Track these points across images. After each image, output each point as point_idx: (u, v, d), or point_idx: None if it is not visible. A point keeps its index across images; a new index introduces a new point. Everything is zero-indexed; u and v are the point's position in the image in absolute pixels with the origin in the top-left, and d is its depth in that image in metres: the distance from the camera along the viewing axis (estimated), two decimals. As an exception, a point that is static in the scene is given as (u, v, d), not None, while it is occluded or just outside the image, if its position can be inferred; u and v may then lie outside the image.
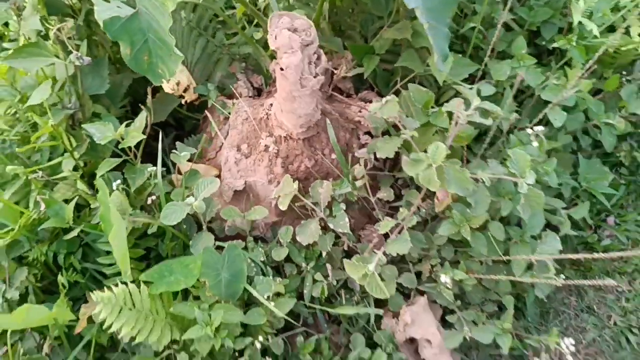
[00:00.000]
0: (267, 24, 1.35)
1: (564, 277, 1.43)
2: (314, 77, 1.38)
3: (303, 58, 1.33)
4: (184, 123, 2.14)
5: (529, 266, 1.55)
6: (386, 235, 1.52)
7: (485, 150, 1.68)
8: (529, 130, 1.40)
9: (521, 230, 1.56)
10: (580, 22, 1.69)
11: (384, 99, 1.47)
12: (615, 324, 1.87)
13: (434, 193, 1.57)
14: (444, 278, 1.45)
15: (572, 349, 1.40)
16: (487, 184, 1.37)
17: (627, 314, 1.89)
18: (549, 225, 1.67)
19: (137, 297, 1.32)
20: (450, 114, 1.48)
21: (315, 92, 1.43)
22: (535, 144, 1.41)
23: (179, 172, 1.77)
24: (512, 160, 1.33)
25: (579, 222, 2.02)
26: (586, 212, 1.71)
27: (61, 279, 1.51)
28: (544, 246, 1.46)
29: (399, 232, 1.43)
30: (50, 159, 1.72)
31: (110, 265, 1.55)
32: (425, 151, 1.30)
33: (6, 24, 1.77)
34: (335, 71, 1.84)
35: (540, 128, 1.39)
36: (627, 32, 1.79)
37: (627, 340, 1.84)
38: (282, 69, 1.33)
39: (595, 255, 1.34)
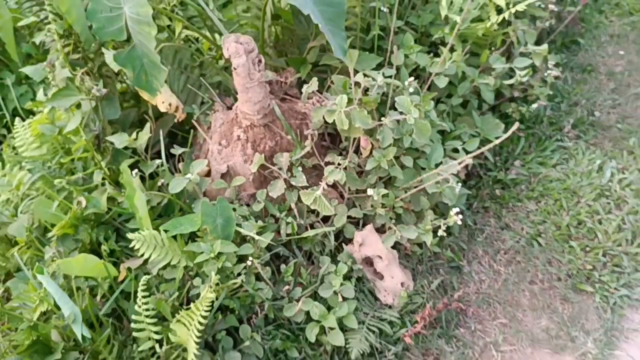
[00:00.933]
0: (222, 43, 2.02)
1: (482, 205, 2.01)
2: (258, 72, 2.03)
3: (248, 59, 1.98)
4: (177, 139, 2.78)
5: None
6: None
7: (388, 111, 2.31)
8: (405, 83, 2.05)
9: (427, 161, 2.16)
10: (447, 17, 2.38)
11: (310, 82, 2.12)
12: (527, 233, 2.43)
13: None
14: (371, 191, 2.02)
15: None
16: (389, 125, 1.99)
17: (535, 225, 2.45)
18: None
19: (159, 238, 1.90)
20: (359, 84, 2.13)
21: (262, 84, 2.08)
22: (411, 89, 2.05)
23: (177, 171, 2.39)
24: (399, 104, 1.96)
25: (489, 165, 2.63)
26: (475, 146, 2.31)
27: (104, 247, 2.09)
28: (446, 169, 2.05)
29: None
30: (84, 169, 2.35)
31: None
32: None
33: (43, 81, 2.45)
34: (283, 81, 2.51)
35: (412, 79, 2.04)
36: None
37: (538, 242, 2.39)
38: (235, 69, 1.99)
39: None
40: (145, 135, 2.16)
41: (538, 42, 2.59)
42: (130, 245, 1.90)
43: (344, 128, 1.89)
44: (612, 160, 2.66)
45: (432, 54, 2.50)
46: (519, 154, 2.73)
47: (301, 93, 2.54)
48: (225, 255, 1.94)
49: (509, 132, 1.80)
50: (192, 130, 2.48)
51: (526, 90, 2.70)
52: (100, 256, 2.12)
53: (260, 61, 2.08)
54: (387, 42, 2.56)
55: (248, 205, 2.31)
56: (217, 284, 1.86)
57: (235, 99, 2.62)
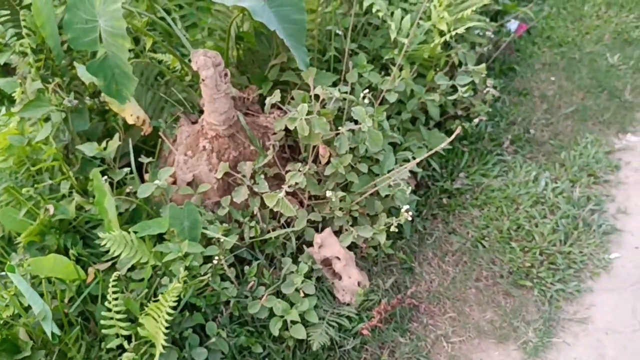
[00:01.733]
0: (191, 57, 2.18)
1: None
2: (225, 84, 2.19)
3: (215, 72, 2.14)
4: (142, 153, 2.88)
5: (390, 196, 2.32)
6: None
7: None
8: (360, 95, 2.26)
9: (380, 168, 2.35)
10: (396, 40, 2.62)
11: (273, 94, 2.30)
12: (472, 236, 2.64)
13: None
14: (330, 194, 2.19)
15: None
16: (345, 134, 2.18)
17: (479, 229, 2.67)
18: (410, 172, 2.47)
19: (129, 238, 1.99)
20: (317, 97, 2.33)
21: (228, 96, 2.24)
22: (366, 101, 2.25)
23: (144, 181, 2.49)
24: (355, 113, 2.16)
25: (437, 176, 2.86)
26: (423, 155, 2.52)
27: (72, 251, 2.16)
28: (397, 174, 2.25)
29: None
30: (52, 179, 2.41)
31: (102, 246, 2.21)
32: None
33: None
34: (246, 97, 2.67)
35: (366, 91, 2.25)
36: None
37: (482, 245, 2.60)
38: (203, 80, 2.14)
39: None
40: (114, 143, 2.26)
41: (477, 65, 2.87)
42: (101, 245, 1.98)
43: (304, 134, 2.06)
44: (546, 171, 2.93)
45: (383, 74, 2.73)
46: (463, 167, 2.97)
47: (263, 110, 2.72)
48: (192, 255, 2.05)
49: (452, 137, 2.01)
50: (158, 142, 2.60)
51: (468, 109, 2.96)
52: (68, 261, 2.19)
53: (226, 74, 2.25)
54: (342, 63, 2.79)
55: (213, 212, 2.42)
56: (184, 282, 1.96)
57: (200, 114, 2.77)
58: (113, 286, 1.85)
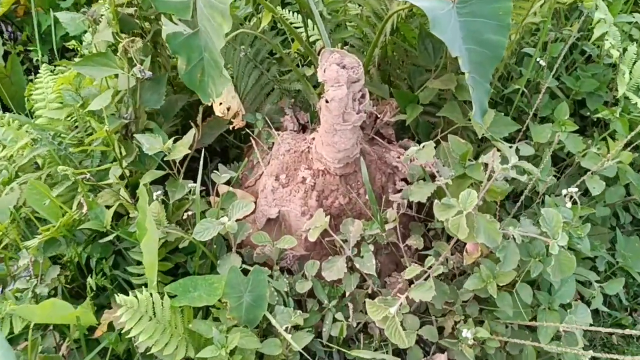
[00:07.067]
0: (319, 58, 1.42)
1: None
2: (357, 113, 1.43)
3: (348, 93, 1.38)
4: (229, 151, 2.21)
5: (557, 336, 1.50)
6: (411, 283, 1.52)
7: (518, 210, 1.67)
8: (563, 191, 1.40)
9: (550, 297, 1.52)
10: (626, 96, 1.71)
11: (422, 144, 1.50)
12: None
13: (464, 246, 1.56)
14: (466, 332, 1.42)
15: None
16: (517, 241, 1.36)
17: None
18: (581, 299, 1.64)
19: (159, 307, 1.35)
20: (486, 167, 1.51)
21: (356, 128, 1.48)
22: (569, 204, 1.40)
23: (217, 194, 1.82)
24: (545, 219, 1.33)
25: (614, 302, 1.97)
26: (620, 288, 1.67)
27: (90, 281, 1.56)
28: (574, 317, 1.43)
29: (425, 278, 1.43)
30: (100, 165, 1.81)
31: (139, 275, 1.59)
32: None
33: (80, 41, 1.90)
34: (379, 116, 1.89)
35: (574, 189, 1.38)
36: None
37: None
38: (327, 101, 1.39)
39: (628, 331, 1.31)
40: (183, 148, 1.59)
41: None
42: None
43: (460, 236, 1.28)
44: None
45: (582, 135, 1.84)
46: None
47: (399, 138, 1.94)
48: (242, 353, 1.38)
49: None
50: (247, 143, 1.91)
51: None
52: (84, 290, 1.60)
53: (363, 96, 1.48)
54: (530, 103, 1.91)
55: (290, 272, 1.73)
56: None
57: (313, 116, 2.03)
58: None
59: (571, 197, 1.38)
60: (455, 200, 1.28)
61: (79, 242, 1.69)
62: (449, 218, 1.28)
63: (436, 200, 1.31)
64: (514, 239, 1.37)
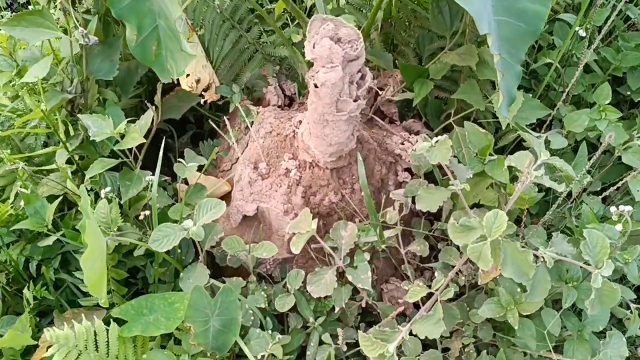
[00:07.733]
0: (307, 28, 1.09)
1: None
2: (354, 100, 1.12)
3: (344, 76, 1.07)
4: (204, 122, 1.90)
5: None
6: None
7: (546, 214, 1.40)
8: (612, 209, 1.11)
9: (580, 323, 1.27)
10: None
11: (434, 139, 1.20)
12: None
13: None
14: (479, 368, 1.18)
15: None
16: (548, 265, 1.09)
17: None
18: (611, 317, 1.38)
19: (102, 339, 1.08)
20: (511, 169, 1.22)
21: (352, 119, 1.18)
22: (619, 227, 1.12)
23: (186, 182, 1.53)
24: (587, 243, 1.06)
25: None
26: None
27: (27, 293, 1.28)
28: (607, 350, 1.18)
29: (431, 306, 1.17)
30: (46, 145, 1.51)
31: (88, 282, 1.32)
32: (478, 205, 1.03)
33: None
34: (380, 92, 1.58)
35: (628, 208, 1.09)
36: None
37: None
38: (316, 86, 1.08)
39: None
40: (138, 133, 1.28)
41: None
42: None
43: (482, 266, 1.00)
44: None
45: (620, 120, 1.54)
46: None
47: (403, 117, 1.64)
48: (207, 391, 1.14)
49: None
50: (223, 121, 1.60)
51: None
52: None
53: (362, 77, 1.16)
54: (558, 81, 1.60)
55: (270, 278, 1.47)
56: None
57: (301, 86, 1.71)
58: None
59: (621, 214, 1.10)
60: (477, 221, 0.99)
61: (18, 240, 1.42)
62: (468, 243, 1.00)
63: (451, 220, 1.03)
64: (544, 261, 1.10)
